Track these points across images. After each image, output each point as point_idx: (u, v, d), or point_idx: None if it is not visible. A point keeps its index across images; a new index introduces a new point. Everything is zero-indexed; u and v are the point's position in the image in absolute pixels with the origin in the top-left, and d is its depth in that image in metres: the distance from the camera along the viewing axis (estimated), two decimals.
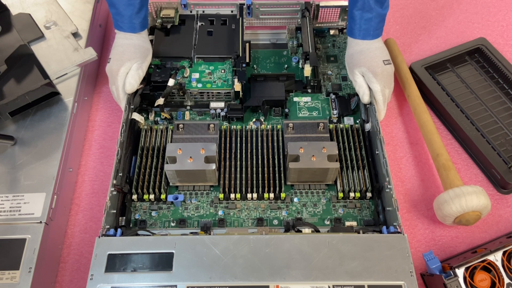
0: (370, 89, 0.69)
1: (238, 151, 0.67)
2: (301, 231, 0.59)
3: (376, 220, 0.63)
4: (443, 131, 0.76)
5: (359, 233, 0.57)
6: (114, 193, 0.61)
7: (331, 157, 0.62)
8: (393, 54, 0.82)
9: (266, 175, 0.65)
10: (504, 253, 0.57)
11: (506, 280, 0.56)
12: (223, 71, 0.75)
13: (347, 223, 0.63)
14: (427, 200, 0.69)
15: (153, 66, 0.75)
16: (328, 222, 0.63)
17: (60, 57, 0.73)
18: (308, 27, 0.78)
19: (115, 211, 0.61)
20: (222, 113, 0.73)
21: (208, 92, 0.73)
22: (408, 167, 0.72)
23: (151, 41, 0.78)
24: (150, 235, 0.57)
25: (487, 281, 0.56)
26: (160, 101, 0.70)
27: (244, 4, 0.81)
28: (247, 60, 0.77)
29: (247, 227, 0.63)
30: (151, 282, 0.51)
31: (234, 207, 0.64)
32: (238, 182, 0.65)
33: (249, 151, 0.68)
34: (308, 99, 0.75)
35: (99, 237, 0.55)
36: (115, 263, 0.52)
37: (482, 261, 0.56)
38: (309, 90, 0.76)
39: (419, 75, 0.79)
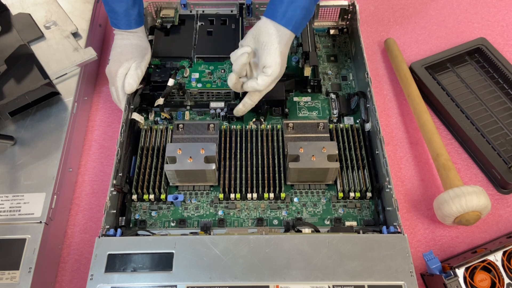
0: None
1: (238, 151, 0.67)
2: (301, 231, 0.59)
3: (376, 220, 0.63)
4: (443, 131, 0.76)
5: (359, 233, 0.57)
6: (114, 193, 0.61)
7: (331, 157, 0.62)
8: (393, 54, 0.82)
9: (266, 175, 0.65)
10: (504, 253, 0.57)
11: (506, 280, 0.56)
12: (223, 71, 0.75)
13: (347, 223, 0.63)
14: (427, 200, 0.69)
15: (153, 66, 0.75)
16: (328, 222, 0.63)
17: (60, 57, 0.73)
18: (308, 27, 0.78)
19: (115, 211, 0.61)
20: (222, 113, 0.73)
21: (208, 92, 0.73)
22: (408, 167, 0.72)
23: (151, 41, 0.78)
24: (150, 235, 0.58)
25: (487, 281, 0.56)
26: (160, 101, 0.70)
27: (244, 4, 0.81)
28: None
29: (247, 227, 0.63)
30: (151, 282, 0.51)
31: (234, 207, 0.64)
32: (238, 182, 0.65)
33: (249, 151, 0.68)
34: (308, 99, 0.75)
35: (99, 237, 0.55)
36: (115, 263, 0.52)
37: (482, 261, 0.56)
38: (309, 90, 0.76)
39: (419, 75, 0.79)
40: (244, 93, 0.68)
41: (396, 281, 0.51)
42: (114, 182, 0.61)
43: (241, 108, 0.68)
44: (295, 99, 0.75)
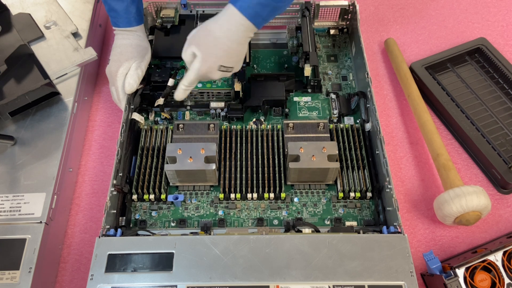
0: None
1: (238, 151, 0.67)
2: (301, 231, 0.59)
3: (376, 220, 0.63)
4: (443, 131, 0.76)
5: (359, 233, 0.57)
6: (114, 193, 0.61)
7: (331, 157, 0.62)
8: (393, 54, 0.82)
9: (266, 175, 0.65)
10: (504, 253, 0.57)
11: (506, 280, 0.56)
12: None
13: (347, 223, 0.63)
14: (427, 200, 0.69)
15: (153, 66, 0.75)
16: (328, 222, 0.63)
17: (60, 57, 0.73)
18: (308, 27, 0.78)
19: (115, 211, 0.61)
20: (222, 113, 0.73)
21: (208, 92, 0.73)
22: (408, 167, 0.72)
23: (151, 41, 0.78)
24: (150, 235, 0.58)
25: (487, 281, 0.56)
26: (160, 101, 0.70)
27: None
28: (247, 60, 0.76)
29: (247, 227, 0.63)
30: (151, 282, 0.51)
31: (234, 207, 0.64)
32: (238, 182, 0.65)
33: (249, 151, 0.68)
34: (308, 99, 0.75)
35: (99, 237, 0.55)
36: (115, 263, 0.52)
37: (482, 261, 0.56)
38: (309, 90, 0.76)
39: (419, 75, 0.78)
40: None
41: (396, 281, 0.51)
42: (114, 182, 0.61)
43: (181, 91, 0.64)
44: (295, 99, 0.75)
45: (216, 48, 0.60)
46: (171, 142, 0.68)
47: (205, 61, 0.60)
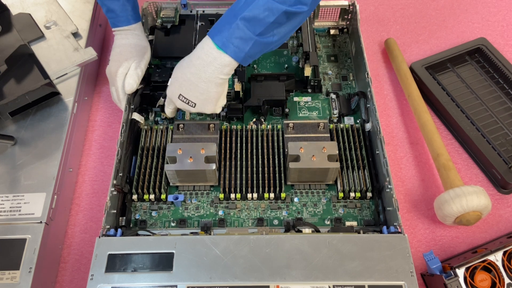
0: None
1: (238, 151, 0.67)
2: (301, 231, 0.59)
3: (376, 220, 0.63)
4: (443, 131, 0.76)
5: (359, 233, 0.57)
6: (114, 193, 0.61)
7: (331, 157, 0.62)
8: (393, 54, 0.82)
9: (266, 175, 0.65)
10: (504, 253, 0.57)
11: (507, 280, 0.56)
12: None
13: (347, 223, 0.63)
14: (428, 200, 0.69)
15: (153, 66, 0.75)
16: (328, 222, 0.63)
17: (60, 57, 0.73)
18: (308, 27, 0.78)
19: (115, 211, 0.61)
20: (222, 113, 0.72)
21: None
22: (408, 167, 0.72)
23: (151, 41, 0.78)
24: (150, 235, 0.58)
25: (487, 281, 0.56)
26: (162, 101, 0.70)
27: None
28: None
29: (247, 227, 0.63)
30: (151, 282, 0.51)
31: (234, 207, 0.64)
32: (238, 182, 0.65)
33: (249, 151, 0.68)
34: (308, 99, 0.75)
35: (99, 237, 0.55)
36: (115, 263, 0.52)
37: (483, 261, 0.56)
38: (309, 90, 0.76)
39: (420, 75, 0.79)
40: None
41: (397, 281, 0.51)
42: (115, 182, 0.61)
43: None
44: (295, 99, 0.75)
45: (180, 75, 0.61)
46: (171, 142, 0.68)
47: (171, 84, 0.63)
